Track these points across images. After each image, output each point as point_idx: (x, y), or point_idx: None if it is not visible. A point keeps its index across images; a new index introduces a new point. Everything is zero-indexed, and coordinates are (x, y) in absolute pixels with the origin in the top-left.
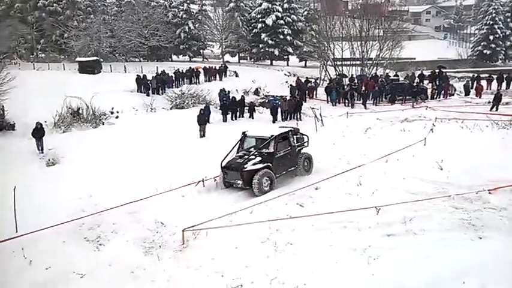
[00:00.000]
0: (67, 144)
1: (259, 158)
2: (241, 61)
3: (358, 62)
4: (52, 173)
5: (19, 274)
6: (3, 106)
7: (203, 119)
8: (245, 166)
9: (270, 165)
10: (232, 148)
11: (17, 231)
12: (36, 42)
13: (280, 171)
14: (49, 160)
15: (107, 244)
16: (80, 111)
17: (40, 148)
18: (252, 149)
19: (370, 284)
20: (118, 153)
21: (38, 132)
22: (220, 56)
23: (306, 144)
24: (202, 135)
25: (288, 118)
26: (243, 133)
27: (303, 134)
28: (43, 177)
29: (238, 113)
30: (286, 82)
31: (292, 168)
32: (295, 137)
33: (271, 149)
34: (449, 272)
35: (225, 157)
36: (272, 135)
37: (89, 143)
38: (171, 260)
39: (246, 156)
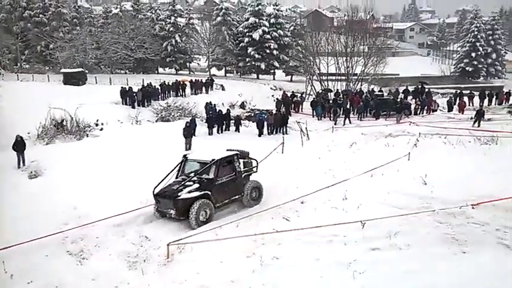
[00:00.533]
0: (50, 156)
1: (196, 185)
2: (227, 74)
3: (343, 77)
4: (35, 186)
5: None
6: None
7: (189, 131)
8: (179, 194)
9: (209, 193)
10: (170, 172)
11: None
12: (21, 53)
13: (221, 200)
14: (31, 172)
15: (90, 258)
16: (64, 122)
17: (22, 161)
18: (192, 174)
19: None
20: (102, 165)
21: (19, 145)
22: (207, 69)
23: (254, 169)
24: (188, 148)
25: (274, 132)
26: (184, 156)
27: (251, 159)
28: (25, 190)
29: (224, 126)
30: (273, 96)
31: (237, 197)
32: (241, 161)
33: (211, 175)
34: (434, 287)
35: (159, 183)
36: (213, 159)
37: (73, 155)
38: (155, 275)
39: (183, 183)
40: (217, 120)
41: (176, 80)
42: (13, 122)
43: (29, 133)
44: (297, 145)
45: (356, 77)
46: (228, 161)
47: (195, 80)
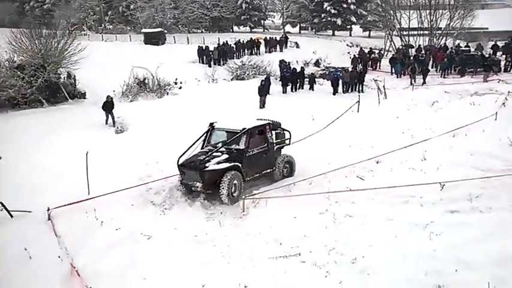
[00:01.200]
0: (134, 113)
1: (225, 156)
2: (302, 32)
3: (426, 32)
4: (121, 140)
5: (92, 233)
6: (74, 75)
7: (264, 90)
8: (206, 165)
9: (239, 165)
10: (195, 142)
11: (89, 194)
12: (104, 14)
13: (251, 173)
14: (118, 128)
15: (171, 208)
16: (146, 81)
17: (112, 121)
18: (219, 145)
19: (430, 259)
20: (182, 122)
21: (108, 105)
22: (281, 27)
23: (287, 141)
24: (262, 106)
25: (349, 90)
26: (211, 124)
27: (284, 130)
28: (113, 144)
29: (298, 85)
30: (348, 53)
31: (268, 171)
32: (274, 132)
33: (242, 145)
34: None
35: (184, 152)
36: (244, 128)
37: (155, 112)
38: (231, 227)
39: (210, 153)
40: (292, 78)
41: (251, 38)
42: (99, 80)
43: (114, 91)
44: (373, 104)
45: (440, 32)
46: (259, 131)
47: (270, 37)
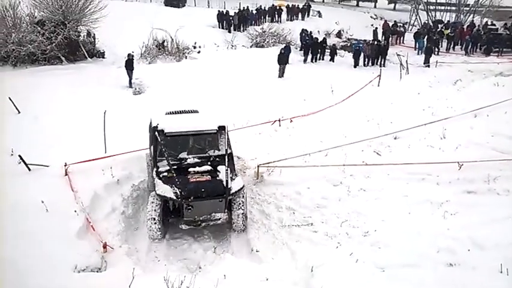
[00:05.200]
0: (152, 75)
1: (208, 167)
2: (325, 1)
3: (453, 8)
4: (138, 102)
5: (109, 189)
6: (94, 34)
7: (283, 58)
8: (229, 186)
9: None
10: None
11: (106, 152)
12: None
13: None
14: (135, 89)
15: None
16: (165, 44)
17: (130, 80)
18: (188, 156)
19: (443, 238)
20: (199, 87)
21: (130, 64)
22: None
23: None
24: (281, 75)
25: (371, 64)
26: (155, 129)
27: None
28: (130, 105)
29: (319, 55)
30: (372, 25)
31: None
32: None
33: (223, 150)
34: None
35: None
36: (220, 126)
37: (173, 76)
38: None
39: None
40: (312, 48)
41: (273, 4)
42: (118, 40)
43: (133, 52)
44: (394, 79)
45: (468, 8)
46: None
47: (292, 5)
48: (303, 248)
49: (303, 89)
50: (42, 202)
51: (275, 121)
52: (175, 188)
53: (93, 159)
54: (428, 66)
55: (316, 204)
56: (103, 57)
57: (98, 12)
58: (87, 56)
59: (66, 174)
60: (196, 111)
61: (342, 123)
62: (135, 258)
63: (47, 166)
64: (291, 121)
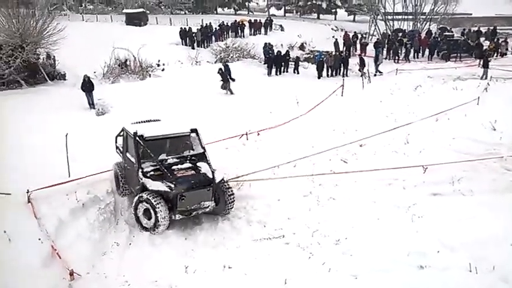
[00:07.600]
0: (115, 95)
1: (189, 164)
2: (287, 15)
3: (410, 17)
4: (102, 122)
5: (74, 214)
6: (54, 56)
7: (225, 77)
8: (215, 176)
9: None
10: None
11: (69, 176)
12: None
13: None
14: (99, 110)
15: None
16: (128, 62)
17: (91, 102)
18: (167, 157)
19: (413, 241)
20: (164, 104)
21: (86, 86)
22: (266, 9)
23: None
24: (231, 93)
25: (334, 74)
26: (135, 135)
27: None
28: (93, 126)
29: (282, 68)
30: (333, 37)
31: None
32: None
33: (200, 148)
34: (495, 234)
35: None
36: (193, 129)
37: (137, 94)
38: None
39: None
40: (276, 61)
41: (235, 20)
42: (79, 61)
43: (95, 72)
44: (357, 88)
45: (424, 17)
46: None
47: (254, 20)
48: (275, 261)
49: (268, 102)
50: (5, 232)
51: (242, 135)
52: (167, 183)
53: (57, 184)
54: (381, 73)
55: (287, 215)
56: (64, 79)
57: (56, 34)
58: (47, 79)
59: (29, 202)
60: (158, 120)
61: (308, 133)
62: (103, 284)
63: (9, 194)
64: (258, 134)
